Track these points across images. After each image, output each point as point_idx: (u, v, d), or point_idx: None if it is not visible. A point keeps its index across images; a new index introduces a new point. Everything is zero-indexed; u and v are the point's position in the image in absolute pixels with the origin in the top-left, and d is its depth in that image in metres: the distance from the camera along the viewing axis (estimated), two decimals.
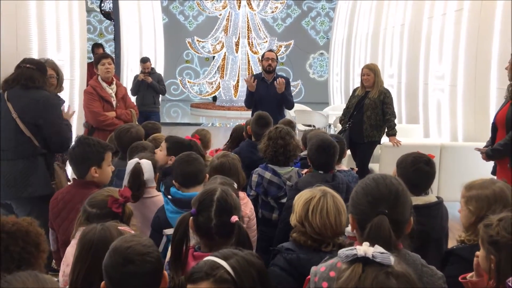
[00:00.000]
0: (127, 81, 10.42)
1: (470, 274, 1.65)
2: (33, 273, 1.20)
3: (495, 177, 3.95)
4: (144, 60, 8.55)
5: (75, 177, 2.84)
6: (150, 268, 1.55)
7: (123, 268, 1.52)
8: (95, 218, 2.11)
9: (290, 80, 18.11)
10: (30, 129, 3.44)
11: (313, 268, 1.57)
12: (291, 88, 6.78)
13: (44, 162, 3.51)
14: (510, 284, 1.31)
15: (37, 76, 3.51)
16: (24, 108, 3.44)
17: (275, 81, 5.82)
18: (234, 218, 1.81)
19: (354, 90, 6.05)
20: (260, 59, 6.41)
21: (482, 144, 4.53)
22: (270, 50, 6.49)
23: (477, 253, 1.66)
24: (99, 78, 4.89)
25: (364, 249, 1.21)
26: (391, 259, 1.20)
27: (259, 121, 4.02)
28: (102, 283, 1.59)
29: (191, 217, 1.87)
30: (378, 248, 1.22)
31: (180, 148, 3.16)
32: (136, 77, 8.53)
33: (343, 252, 1.24)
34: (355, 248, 1.22)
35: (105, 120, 4.78)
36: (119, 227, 1.81)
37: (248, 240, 1.81)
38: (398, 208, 1.57)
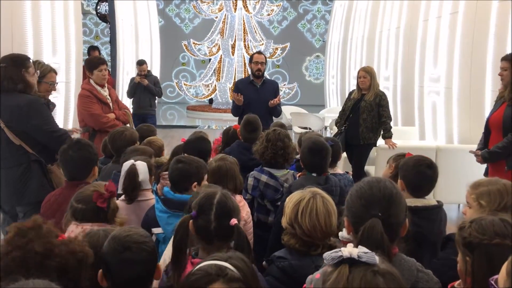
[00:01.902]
0: (123, 84, 10.41)
1: (457, 282, 1.66)
2: (47, 282, 1.20)
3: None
4: (141, 63, 8.55)
5: (66, 179, 2.85)
6: (146, 256, 1.63)
7: (120, 255, 1.61)
8: (80, 213, 2.15)
9: (286, 82, 18.12)
10: (20, 136, 3.36)
11: (309, 277, 1.58)
12: (281, 94, 6.33)
13: (40, 168, 3.44)
14: (493, 282, 1.32)
15: (12, 74, 3.34)
16: (8, 116, 3.33)
17: (269, 102, 5.50)
18: (234, 221, 1.83)
19: (350, 93, 6.04)
20: (249, 61, 5.96)
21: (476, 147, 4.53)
22: (259, 52, 6.11)
23: (458, 258, 1.67)
24: (91, 81, 4.81)
25: (349, 250, 1.23)
26: (376, 258, 1.22)
27: (247, 126, 3.98)
28: (100, 271, 1.62)
29: (191, 220, 1.88)
30: (363, 248, 1.23)
31: (192, 146, 3.27)
32: (132, 79, 8.53)
33: (328, 254, 1.25)
34: (340, 250, 1.23)
35: (107, 121, 4.72)
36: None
37: (247, 243, 1.83)
38: (392, 211, 1.57)
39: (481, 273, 1.50)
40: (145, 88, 8.26)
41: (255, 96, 5.59)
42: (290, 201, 2.15)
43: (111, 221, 2.20)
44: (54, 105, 4.25)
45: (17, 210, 3.50)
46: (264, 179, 3.28)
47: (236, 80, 15.66)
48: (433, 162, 2.65)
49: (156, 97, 8.67)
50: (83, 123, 4.86)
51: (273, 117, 5.74)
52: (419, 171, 2.56)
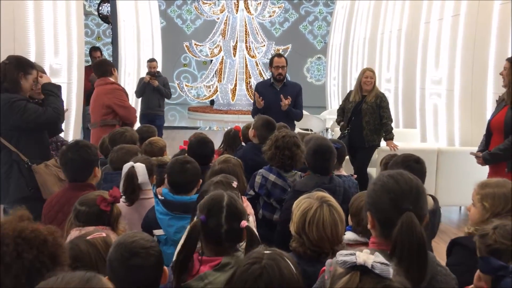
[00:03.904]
0: (124, 85, 10.41)
1: (470, 287, 1.65)
2: (81, 274, 1.18)
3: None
4: (151, 60, 8.65)
5: (68, 180, 2.83)
6: (154, 261, 1.63)
7: (128, 261, 1.59)
8: (83, 215, 2.16)
9: None
10: (4, 135, 3.34)
11: (329, 260, 1.55)
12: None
13: (18, 170, 3.39)
14: None
15: (10, 74, 3.32)
16: None
17: (281, 96, 5.36)
18: (244, 223, 1.83)
19: (349, 94, 6.01)
20: (269, 64, 5.77)
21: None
22: (279, 55, 5.79)
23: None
24: (111, 79, 4.90)
25: (364, 258, 1.17)
26: (390, 271, 1.16)
27: (269, 126, 3.95)
28: (105, 278, 1.59)
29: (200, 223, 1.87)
30: (379, 258, 1.18)
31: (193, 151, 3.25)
32: (141, 79, 8.50)
33: (341, 255, 1.20)
34: (355, 254, 1.18)
35: (136, 117, 4.90)
36: (88, 238, 1.80)
37: (259, 242, 1.80)
38: (420, 204, 1.54)
39: None
40: (155, 89, 8.23)
41: (275, 99, 5.43)
42: (297, 207, 2.11)
43: (113, 226, 2.21)
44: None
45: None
46: (272, 178, 3.28)
47: (236, 81, 15.72)
48: (420, 158, 2.74)
49: (165, 98, 8.67)
50: (111, 115, 4.79)
51: (295, 121, 5.58)
52: (408, 167, 2.59)
